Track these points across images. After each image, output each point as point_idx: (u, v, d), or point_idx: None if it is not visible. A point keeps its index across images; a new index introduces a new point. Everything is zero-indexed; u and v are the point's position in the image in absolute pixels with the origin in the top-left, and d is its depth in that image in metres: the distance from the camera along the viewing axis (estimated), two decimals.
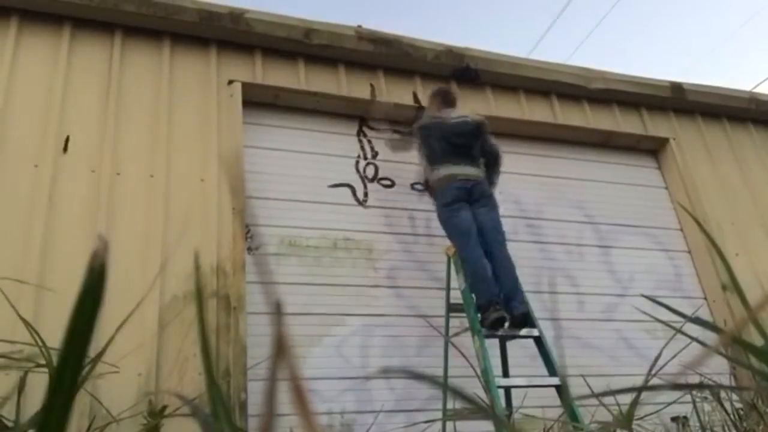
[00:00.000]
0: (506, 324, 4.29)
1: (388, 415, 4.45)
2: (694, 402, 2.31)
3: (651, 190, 6.56)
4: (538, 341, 4.34)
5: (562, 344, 5.28)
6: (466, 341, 4.28)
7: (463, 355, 3.11)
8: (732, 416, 2.31)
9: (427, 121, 5.09)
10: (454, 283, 4.65)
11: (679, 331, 1.01)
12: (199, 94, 5.00)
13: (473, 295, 4.37)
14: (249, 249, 4.73)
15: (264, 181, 5.09)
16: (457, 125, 4.97)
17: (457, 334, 4.51)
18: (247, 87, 5.17)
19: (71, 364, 0.41)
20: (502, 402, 4.11)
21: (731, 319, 5.60)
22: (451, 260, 4.70)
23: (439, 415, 4.26)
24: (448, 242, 4.75)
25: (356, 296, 4.92)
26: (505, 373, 4.47)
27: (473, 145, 4.95)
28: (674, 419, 4.57)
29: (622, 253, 6.01)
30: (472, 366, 3.82)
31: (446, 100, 5.29)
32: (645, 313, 4.72)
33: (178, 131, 4.76)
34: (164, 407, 3.53)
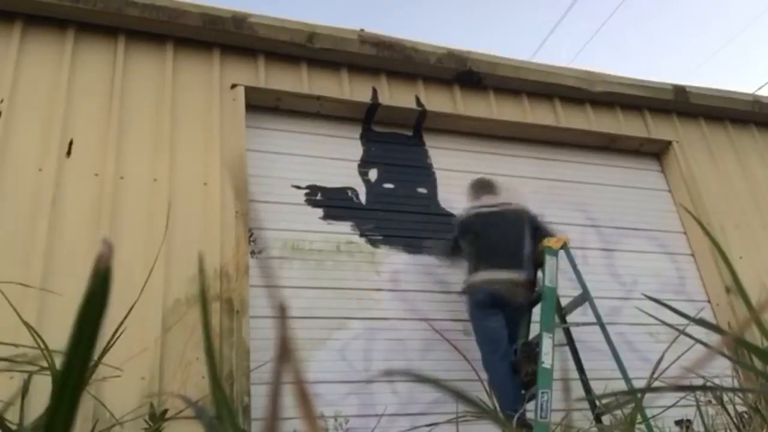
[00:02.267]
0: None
1: (390, 418, 4.44)
2: (698, 405, 2.30)
3: (654, 192, 6.55)
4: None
5: (564, 348, 5.27)
6: (470, 344, 4.27)
7: (465, 359, 3.11)
8: (735, 419, 2.31)
9: (464, 215, 4.81)
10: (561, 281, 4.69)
11: (682, 332, 1.01)
12: (202, 98, 5.01)
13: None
14: (252, 252, 4.74)
15: (267, 185, 5.09)
16: (498, 215, 4.65)
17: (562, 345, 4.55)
18: (249, 91, 5.18)
19: (76, 368, 0.41)
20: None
21: (735, 321, 5.59)
22: (552, 254, 4.63)
23: (443, 418, 4.24)
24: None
25: (359, 299, 4.91)
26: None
27: (520, 239, 4.61)
28: (678, 423, 4.56)
29: (625, 256, 6.00)
30: (474, 369, 3.82)
31: (483, 186, 5.00)
32: (649, 315, 4.70)
33: (181, 135, 4.77)
34: (165, 410, 3.53)
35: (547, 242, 4.64)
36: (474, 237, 4.61)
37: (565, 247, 4.70)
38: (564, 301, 4.83)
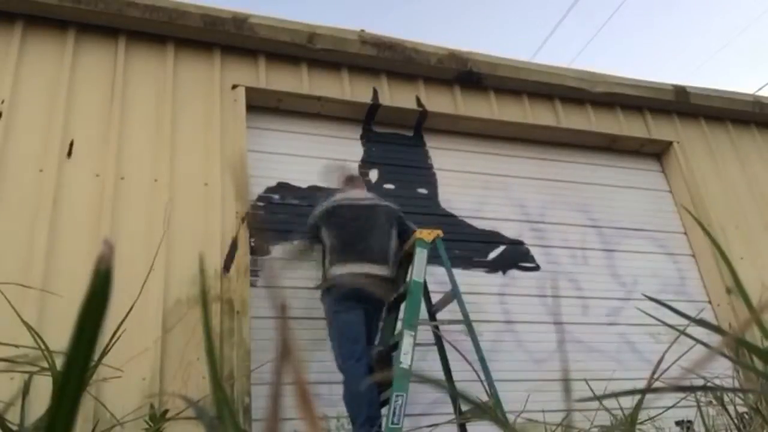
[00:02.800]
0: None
1: None
2: (698, 406, 2.30)
3: (655, 193, 6.55)
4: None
5: (565, 348, 5.27)
6: (467, 345, 4.26)
7: (466, 359, 3.11)
8: (736, 420, 2.30)
9: (330, 204, 4.45)
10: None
11: (683, 333, 1.01)
12: (203, 98, 5.01)
13: (348, 412, 3.97)
14: (253, 253, 4.73)
15: (267, 185, 5.09)
16: (366, 208, 4.42)
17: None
18: (250, 91, 5.18)
19: (77, 368, 0.41)
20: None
21: (736, 322, 5.58)
22: (423, 247, 4.40)
23: (443, 419, 4.24)
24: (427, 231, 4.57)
25: None
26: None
27: (385, 235, 4.39)
28: (678, 423, 4.56)
29: (625, 256, 6.00)
30: (474, 370, 3.82)
31: (351, 179, 4.77)
32: (650, 315, 4.69)
33: (182, 136, 4.77)
34: (166, 411, 3.53)
35: (419, 234, 4.38)
36: (339, 228, 4.31)
37: (437, 240, 4.43)
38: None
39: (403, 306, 4.23)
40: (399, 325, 4.23)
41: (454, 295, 4.34)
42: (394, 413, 3.66)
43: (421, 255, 4.33)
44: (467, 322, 4.19)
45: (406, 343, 3.90)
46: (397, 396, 3.71)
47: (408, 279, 4.30)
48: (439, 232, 4.50)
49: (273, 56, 5.44)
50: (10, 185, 4.17)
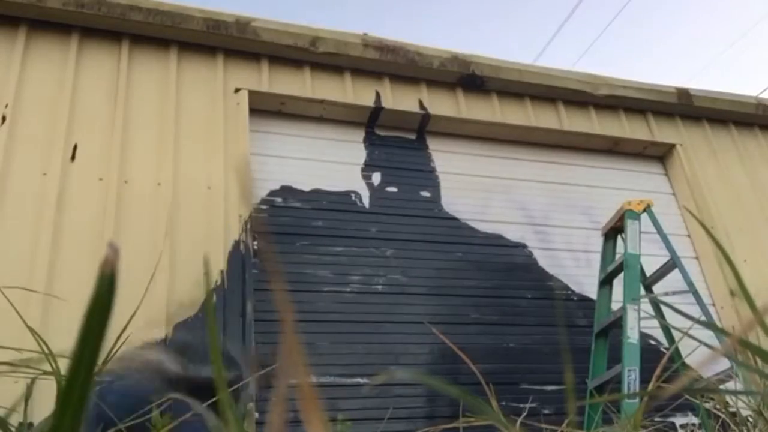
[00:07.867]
0: None
1: (393, 421, 4.43)
2: (701, 408, 2.30)
3: (658, 196, 6.52)
4: None
5: (568, 350, 5.26)
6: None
7: (467, 361, 3.10)
8: (738, 423, 2.30)
9: None
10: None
11: (686, 334, 1.01)
12: (206, 102, 5.02)
13: None
14: (256, 255, 4.73)
15: (270, 188, 5.10)
16: None
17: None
18: (253, 95, 5.19)
19: (82, 372, 0.41)
20: None
21: (739, 325, 5.57)
22: (634, 218, 4.20)
23: (445, 421, 4.23)
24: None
25: (362, 303, 4.91)
26: None
27: None
28: (683, 426, 4.55)
29: None
30: (475, 371, 3.81)
31: None
32: (653, 317, 4.68)
33: (185, 139, 4.78)
34: (169, 414, 3.53)
35: (628, 205, 4.27)
36: None
37: (648, 209, 4.33)
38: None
39: (617, 281, 4.10)
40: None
41: (673, 264, 4.22)
42: (628, 387, 3.60)
43: (633, 227, 4.21)
44: (693, 290, 4.10)
45: (631, 317, 3.85)
46: (629, 371, 3.66)
47: (622, 252, 4.18)
48: (650, 201, 4.36)
49: (276, 60, 5.45)
50: (14, 189, 4.18)
